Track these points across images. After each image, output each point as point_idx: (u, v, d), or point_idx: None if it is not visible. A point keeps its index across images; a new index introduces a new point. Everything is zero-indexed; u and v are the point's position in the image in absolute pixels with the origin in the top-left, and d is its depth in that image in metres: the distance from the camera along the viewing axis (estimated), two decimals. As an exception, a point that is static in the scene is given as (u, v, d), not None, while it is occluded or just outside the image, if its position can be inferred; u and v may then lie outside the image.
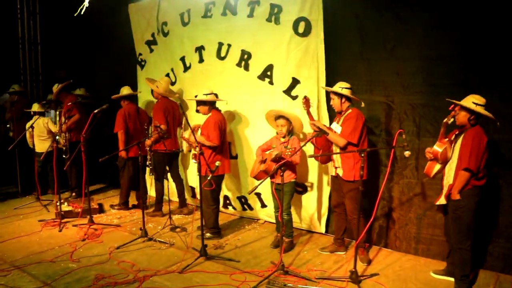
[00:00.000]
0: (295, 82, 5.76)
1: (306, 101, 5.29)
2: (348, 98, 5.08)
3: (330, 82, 5.42)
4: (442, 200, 4.46)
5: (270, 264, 5.07)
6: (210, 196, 5.83)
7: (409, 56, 5.09)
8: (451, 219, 4.41)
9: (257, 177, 5.49)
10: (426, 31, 4.94)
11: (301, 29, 5.59)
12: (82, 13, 6.07)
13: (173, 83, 7.33)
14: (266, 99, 6.02)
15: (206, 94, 5.79)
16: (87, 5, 6.00)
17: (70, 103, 7.60)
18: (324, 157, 5.32)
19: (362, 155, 4.39)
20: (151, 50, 7.61)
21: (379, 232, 5.60)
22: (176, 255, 5.38)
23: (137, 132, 7.12)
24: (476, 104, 4.19)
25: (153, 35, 7.49)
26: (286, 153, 4.85)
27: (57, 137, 7.34)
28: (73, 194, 8.07)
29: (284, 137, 5.44)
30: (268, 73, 6.00)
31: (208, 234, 5.85)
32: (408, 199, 5.30)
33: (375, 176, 5.47)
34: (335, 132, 5.08)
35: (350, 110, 5.07)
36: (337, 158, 5.16)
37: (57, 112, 7.94)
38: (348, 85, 5.09)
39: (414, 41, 5.03)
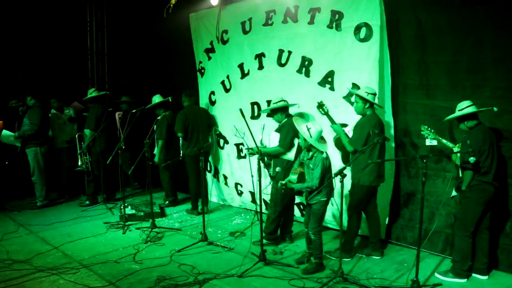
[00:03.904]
0: (355, 87, 5.67)
1: (319, 105, 5.49)
2: (371, 104, 5.06)
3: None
4: (453, 192, 4.87)
5: (329, 271, 5.02)
6: (280, 201, 5.82)
7: (475, 58, 4.90)
8: (460, 208, 4.81)
9: None
10: (493, 31, 4.74)
11: (362, 34, 5.54)
12: (170, 11, 6.30)
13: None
14: (327, 105, 5.96)
15: (276, 102, 5.84)
16: (174, 2, 6.24)
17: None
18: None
19: (424, 161, 4.26)
20: (209, 58, 7.79)
21: (446, 240, 5.38)
22: (235, 259, 5.43)
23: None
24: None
25: (211, 43, 7.67)
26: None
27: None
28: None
29: (308, 151, 5.03)
30: (329, 79, 5.98)
31: (264, 241, 5.80)
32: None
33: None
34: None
35: (364, 116, 5.10)
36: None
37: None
38: (374, 91, 5.09)
39: (480, 41, 4.85)
